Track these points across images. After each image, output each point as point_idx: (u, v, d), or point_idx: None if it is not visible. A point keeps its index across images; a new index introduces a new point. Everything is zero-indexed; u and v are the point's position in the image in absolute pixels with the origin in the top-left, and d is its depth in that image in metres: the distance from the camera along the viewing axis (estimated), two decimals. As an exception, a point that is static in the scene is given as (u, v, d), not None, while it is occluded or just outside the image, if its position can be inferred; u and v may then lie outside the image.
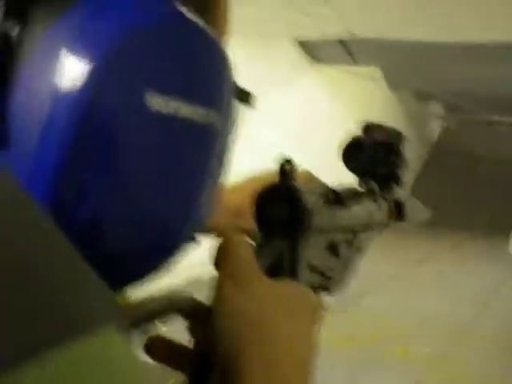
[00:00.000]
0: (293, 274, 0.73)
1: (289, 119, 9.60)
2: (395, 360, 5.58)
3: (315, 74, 10.40)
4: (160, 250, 0.56)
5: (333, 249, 0.85)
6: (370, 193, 1.00)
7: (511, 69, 10.62)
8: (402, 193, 1.10)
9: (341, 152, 1.00)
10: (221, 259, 0.61)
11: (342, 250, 0.88)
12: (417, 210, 1.20)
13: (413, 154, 15.77)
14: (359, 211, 0.91)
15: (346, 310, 7.06)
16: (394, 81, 13.10)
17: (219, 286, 0.60)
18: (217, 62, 0.56)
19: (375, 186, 1.01)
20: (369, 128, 1.03)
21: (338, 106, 11.18)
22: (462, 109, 14.89)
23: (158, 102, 0.48)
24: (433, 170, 16.05)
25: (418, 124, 15.97)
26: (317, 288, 0.83)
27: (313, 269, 0.80)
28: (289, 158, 0.72)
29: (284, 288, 0.64)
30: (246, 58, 8.51)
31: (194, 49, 0.52)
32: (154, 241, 0.54)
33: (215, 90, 0.56)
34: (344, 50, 9.83)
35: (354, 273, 0.96)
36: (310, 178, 0.97)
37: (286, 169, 0.73)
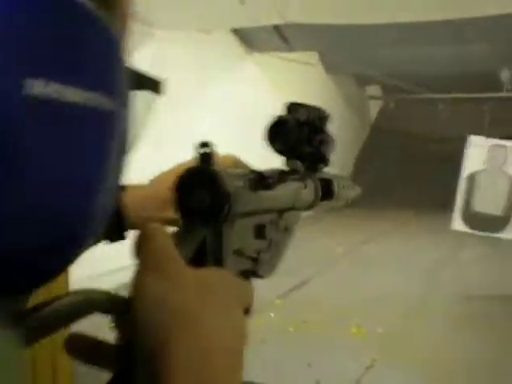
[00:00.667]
0: (218, 260, 0.72)
1: (227, 108, 9.60)
2: (349, 341, 5.64)
3: (252, 62, 10.40)
4: (57, 248, 0.49)
5: (259, 231, 0.84)
6: (296, 173, 0.99)
7: (445, 48, 10.80)
8: (330, 171, 1.11)
9: (265, 133, 0.99)
10: (138, 250, 0.59)
11: (269, 231, 0.86)
12: (347, 188, 1.21)
13: (353, 136, 15.92)
14: (284, 192, 0.91)
15: (296, 294, 7.12)
16: (332, 65, 13.19)
17: (138, 277, 0.57)
18: (105, 46, 0.50)
19: (301, 166, 1.01)
20: (292, 108, 1.01)
21: (276, 93, 11.21)
22: (398, 89, 15.07)
23: (37, 86, 0.43)
24: (373, 150, 16.22)
25: (356, 106, 16.13)
26: (245, 273, 0.82)
27: (239, 254, 0.79)
28: (207, 142, 0.70)
29: (208, 276, 0.62)
30: (183, 48, 8.48)
31: (78, 31, 0.47)
32: (47, 238, 0.48)
33: (105, 74, 0.50)
34: (279, 37, 9.86)
35: (284, 253, 0.96)
36: (236, 162, 0.95)
37: (205, 153, 0.71)
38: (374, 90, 16.74)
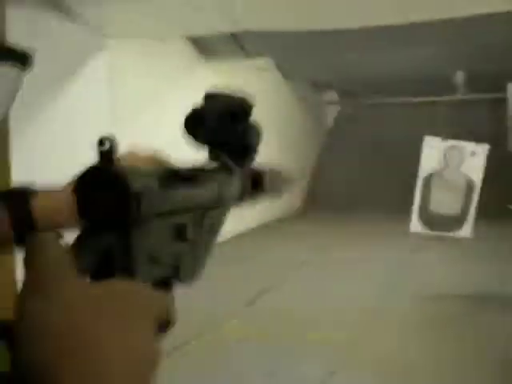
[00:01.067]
0: (128, 269, 0.64)
1: (183, 117, 9.55)
2: (311, 348, 5.63)
3: (208, 69, 10.37)
4: None
5: (179, 233, 0.77)
6: (219, 167, 0.93)
7: (399, 52, 10.90)
8: (260, 163, 1.04)
9: (183, 126, 0.93)
10: (25, 263, 0.54)
11: (190, 232, 0.79)
12: (279, 180, 1.13)
13: (310, 141, 15.98)
14: (206, 188, 0.84)
15: (255, 302, 7.09)
16: (288, 71, 13.23)
17: (19, 299, 0.52)
18: None
19: (224, 159, 0.94)
20: (210, 97, 0.94)
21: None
22: (355, 94, 15.18)
23: None
24: (330, 155, 16.30)
25: (313, 112, 16.19)
26: (165, 280, 0.75)
27: (156, 260, 0.71)
28: (107, 137, 0.62)
29: (104, 288, 0.56)
30: (138, 57, 8.42)
31: None
32: None
33: None
34: (235, 44, 9.85)
35: (210, 255, 0.89)
36: (157, 160, 0.88)
37: (105, 149, 0.62)
38: (330, 95, 16.84)
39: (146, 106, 8.48)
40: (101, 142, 0.62)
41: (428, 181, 8.22)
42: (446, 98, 13.73)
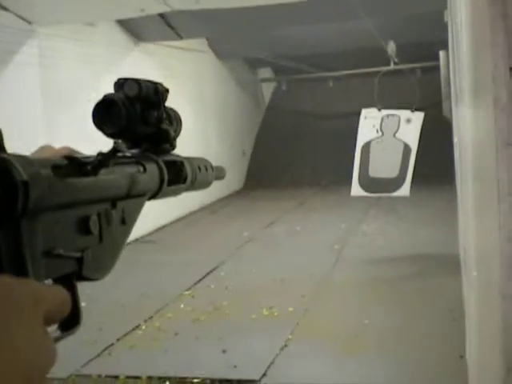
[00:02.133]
0: (17, 265, 0.59)
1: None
2: (262, 323, 5.67)
3: (141, 53, 10.27)
4: None
5: (83, 225, 0.71)
6: (134, 157, 0.88)
7: (331, 25, 10.97)
8: (178, 152, 0.99)
9: (92, 116, 0.87)
10: None
11: (96, 225, 0.73)
12: (205, 169, 1.09)
13: (248, 119, 15.99)
14: (112, 178, 0.78)
15: (205, 282, 7.11)
16: (222, 50, 13.19)
17: None
18: None
19: (139, 148, 0.91)
20: (120, 84, 0.88)
21: (168, 83, 11.10)
22: (289, 70, 15.21)
23: None
24: (269, 132, 16.35)
25: (250, 90, 16.20)
26: (67, 276, 0.70)
27: (54, 254, 0.65)
28: None
29: None
30: (70, 43, 8.28)
31: None
32: None
33: None
34: (166, 25, 9.76)
35: (122, 249, 0.83)
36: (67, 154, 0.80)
37: None
38: (265, 72, 16.85)
39: (79, 93, 8.36)
40: None
41: (366, 148, 8.36)
42: (379, 69, 13.87)
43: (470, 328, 3.59)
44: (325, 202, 12.27)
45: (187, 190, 1.03)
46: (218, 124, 13.65)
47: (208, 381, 4.61)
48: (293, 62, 14.59)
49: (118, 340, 5.44)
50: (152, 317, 5.98)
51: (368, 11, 9.38)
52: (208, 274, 7.47)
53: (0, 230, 0.58)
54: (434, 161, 11.74)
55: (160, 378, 4.66)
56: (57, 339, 0.66)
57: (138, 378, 4.69)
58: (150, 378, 4.69)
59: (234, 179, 14.52)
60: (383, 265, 7.38)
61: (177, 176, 0.97)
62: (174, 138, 0.95)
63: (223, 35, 11.75)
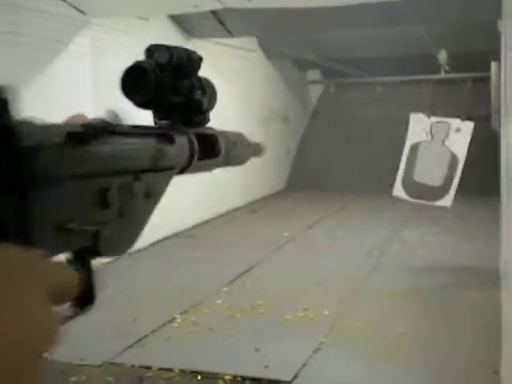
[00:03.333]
0: (23, 237, 0.56)
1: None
2: (296, 324, 5.67)
3: (191, 48, 10.32)
4: None
5: (101, 198, 0.67)
6: (162, 127, 0.84)
7: (382, 30, 10.89)
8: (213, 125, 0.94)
9: (120, 84, 0.83)
10: None
11: (115, 198, 0.69)
12: (241, 144, 1.03)
13: (295, 121, 15.96)
14: (135, 148, 0.74)
15: (243, 280, 7.12)
16: (271, 50, 13.19)
17: None
18: None
19: (168, 118, 0.86)
20: (151, 51, 0.84)
21: (217, 80, 11.15)
22: (338, 73, 15.14)
23: None
24: (315, 134, 16.29)
25: (298, 91, 16.16)
26: (81, 252, 0.66)
27: (66, 228, 0.61)
28: (2, 86, 0.54)
29: None
30: (121, 36, 8.36)
31: None
32: None
33: None
34: (218, 23, 9.79)
35: (144, 224, 0.78)
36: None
37: None
38: (314, 74, 16.80)
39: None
40: None
41: (414, 150, 8.33)
42: (430, 77, 13.73)
43: (506, 343, 3.54)
44: (366, 208, 12.19)
45: (221, 165, 0.97)
46: (264, 123, 13.66)
47: (239, 378, 4.62)
48: (342, 65, 14.52)
49: (152, 331, 5.49)
50: (188, 311, 6.01)
51: (421, 18, 9.30)
52: (245, 271, 7.48)
53: (7, 198, 0.55)
54: (479, 173, 11.58)
55: (192, 372, 4.69)
56: (68, 318, 0.64)
57: (170, 370, 4.72)
58: (182, 371, 4.72)
59: (276, 179, 14.52)
60: (421, 274, 7.31)
61: (209, 150, 0.91)
62: (207, 110, 0.90)
63: (274, 35, 11.75)
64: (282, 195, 14.30)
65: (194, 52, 0.88)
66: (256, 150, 1.11)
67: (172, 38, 9.80)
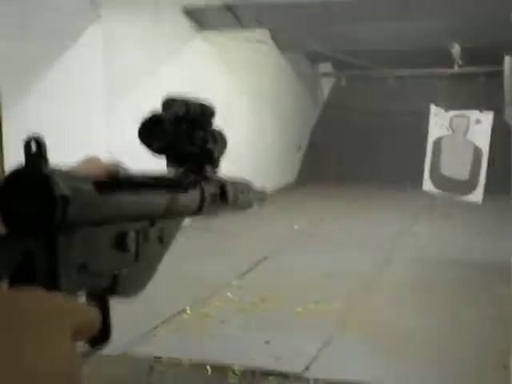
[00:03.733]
0: (51, 278, 0.60)
1: (178, 89, 9.50)
2: (307, 317, 5.67)
3: (204, 41, 10.31)
4: None
5: (120, 242, 0.72)
6: (176, 176, 0.89)
7: (395, 24, 10.85)
8: (229, 176, 0.99)
9: (139, 132, 0.87)
10: None
11: (133, 242, 0.74)
12: (247, 192, 1.08)
13: (306, 113, 15.95)
14: (154, 197, 0.79)
15: (253, 273, 7.13)
16: (283, 42, 13.17)
17: None
18: None
19: (181, 167, 0.90)
20: (168, 103, 0.88)
21: (228, 72, 11.15)
22: (350, 66, 15.11)
23: None
24: (326, 127, 16.28)
25: (309, 83, 16.15)
26: (99, 292, 0.71)
27: (87, 270, 0.66)
28: (35, 137, 0.59)
29: (15, 296, 0.52)
30: (133, 29, 8.37)
31: None
32: None
33: None
34: (230, 15, 9.78)
35: (156, 268, 0.84)
36: (110, 169, 0.77)
37: (32, 149, 0.59)
38: (325, 67, 16.77)
39: (140, 77, 8.45)
40: (28, 143, 0.59)
41: (437, 145, 8.35)
42: (442, 71, 13.68)
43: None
44: (377, 201, 12.16)
45: (228, 211, 1.02)
46: (275, 116, 13.65)
47: (250, 370, 4.63)
48: (354, 58, 14.48)
49: (163, 322, 5.50)
50: (199, 303, 6.02)
51: (434, 11, 9.26)
52: (256, 264, 7.49)
53: (36, 241, 0.59)
54: (493, 167, 11.53)
55: (202, 364, 4.70)
56: (85, 355, 0.67)
57: (180, 361, 4.73)
58: (192, 362, 4.72)
59: (287, 173, 14.51)
60: (433, 268, 7.29)
61: (218, 197, 0.97)
62: (218, 159, 0.95)
63: (286, 27, 11.73)
64: (292, 188, 14.29)
65: (208, 105, 0.92)
66: (260, 197, 1.19)
67: (183, 29, 9.80)
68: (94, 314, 0.59)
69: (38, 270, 0.59)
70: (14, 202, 0.58)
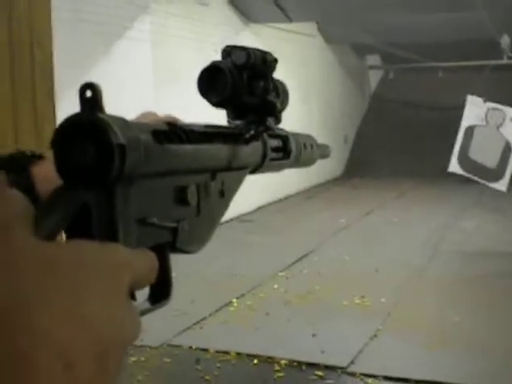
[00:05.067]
0: (108, 232, 0.57)
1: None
2: (353, 311, 5.66)
3: (251, 35, 10.34)
4: None
5: (180, 195, 0.69)
6: (237, 127, 0.85)
7: (443, 15, 10.73)
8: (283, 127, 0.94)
9: (198, 83, 0.84)
10: None
11: (194, 195, 0.70)
12: (311, 147, 1.05)
13: (353, 106, 15.86)
14: (214, 149, 0.76)
15: (299, 265, 7.14)
16: (331, 35, 13.12)
17: None
18: None
19: (242, 119, 0.87)
20: (228, 52, 0.85)
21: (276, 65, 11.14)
22: (398, 58, 14.98)
23: None
24: (374, 120, 16.17)
25: (356, 76, 16.05)
26: (160, 247, 0.66)
27: (148, 223, 0.63)
28: (91, 83, 0.55)
29: (65, 250, 0.48)
30: (180, 21, 8.42)
31: None
32: None
33: None
34: (277, 7, 9.79)
35: (218, 222, 0.79)
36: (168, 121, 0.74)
37: (87, 97, 0.55)
38: (373, 59, 16.65)
39: (186, 70, 8.51)
40: (83, 89, 0.55)
41: (470, 131, 8.31)
42: (490, 63, 13.49)
43: None
44: (423, 195, 12.05)
45: (291, 166, 0.99)
46: (322, 109, 13.61)
47: (295, 363, 4.65)
48: (402, 50, 14.35)
49: (210, 314, 5.55)
50: (244, 295, 6.06)
51: (484, 3, 9.13)
52: (302, 257, 7.49)
53: (93, 194, 0.56)
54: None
55: (249, 356, 4.73)
56: (144, 312, 0.65)
57: (227, 353, 4.78)
58: (238, 354, 4.77)
59: (333, 165, 14.47)
60: (480, 262, 7.21)
61: (281, 151, 0.94)
62: (280, 111, 0.91)
63: (333, 20, 11.68)
64: (339, 182, 14.24)
65: (269, 54, 0.87)
66: (323, 153, 1.14)
67: (230, 22, 9.83)
68: (153, 262, 0.56)
69: (94, 223, 0.56)
70: (69, 150, 0.55)
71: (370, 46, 14.32)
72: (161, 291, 0.67)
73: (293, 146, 0.96)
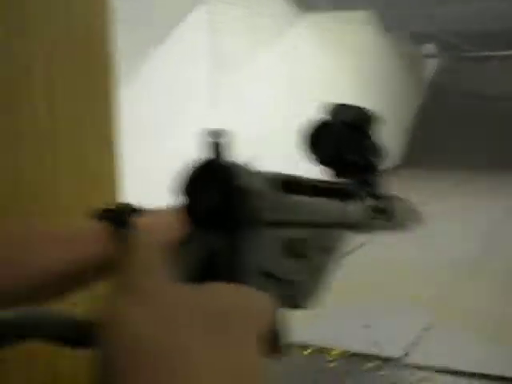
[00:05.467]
0: (235, 277, 0.56)
1: (279, 72, 9.53)
2: (407, 303, 5.62)
3: (308, 23, 10.29)
4: None
5: (294, 247, 0.67)
6: (343, 186, 0.83)
7: (501, 3, 10.53)
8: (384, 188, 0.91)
9: (303, 139, 0.83)
10: (119, 265, 0.48)
11: (308, 249, 0.69)
12: (405, 210, 0.99)
13: (409, 95, 15.69)
14: (327, 205, 0.75)
15: (352, 257, 7.11)
16: (386, 24, 12.99)
17: (108, 299, 0.45)
18: None
19: (349, 178, 0.85)
20: (334, 109, 0.84)
21: (330, 54, 11.09)
22: (454, 47, 14.76)
23: None
24: (429, 109, 15.97)
25: (412, 65, 15.87)
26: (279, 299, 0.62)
27: (267, 274, 0.61)
28: (220, 131, 0.56)
29: (210, 294, 0.48)
30: (235, 11, 8.44)
31: None
32: None
33: None
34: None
35: (326, 278, 0.75)
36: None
37: (218, 142, 0.55)
38: (429, 48, 16.43)
39: (241, 60, 8.52)
40: (214, 135, 0.56)
41: None
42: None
43: None
44: (481, 186, 11.86)
45: (389, 228, 0.93)
46: (379, 97, 13.49)
47: (348, 354, 4.65)
48: (458, 39, 14.13)
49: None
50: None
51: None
52: (356, 248, 7.46)
53: (222, 239, 0.56)
54: None
55: (301, 346, 4.74)
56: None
57: (279, 343, 4.79)
58: (291, 343, 4.77)
59: (391, 155, 14.32)
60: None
61: (381, 212, 0.89)
62: (378, 171, 0.89)
63: (389, 8, 11.56)
64: (396, 171, 14.11)
65: (370, 111, 0.86)
66: (415, 218, 1.06)
67: (285, 12, 9.80)
68: (277, 316, 0.55)
69: (221, 270, 0.56)
70: (200, 195, 0.56)
71: (427, 35, 14.12)
72: (271, 346, 0.63)
73: (392, 208, 0.92)
